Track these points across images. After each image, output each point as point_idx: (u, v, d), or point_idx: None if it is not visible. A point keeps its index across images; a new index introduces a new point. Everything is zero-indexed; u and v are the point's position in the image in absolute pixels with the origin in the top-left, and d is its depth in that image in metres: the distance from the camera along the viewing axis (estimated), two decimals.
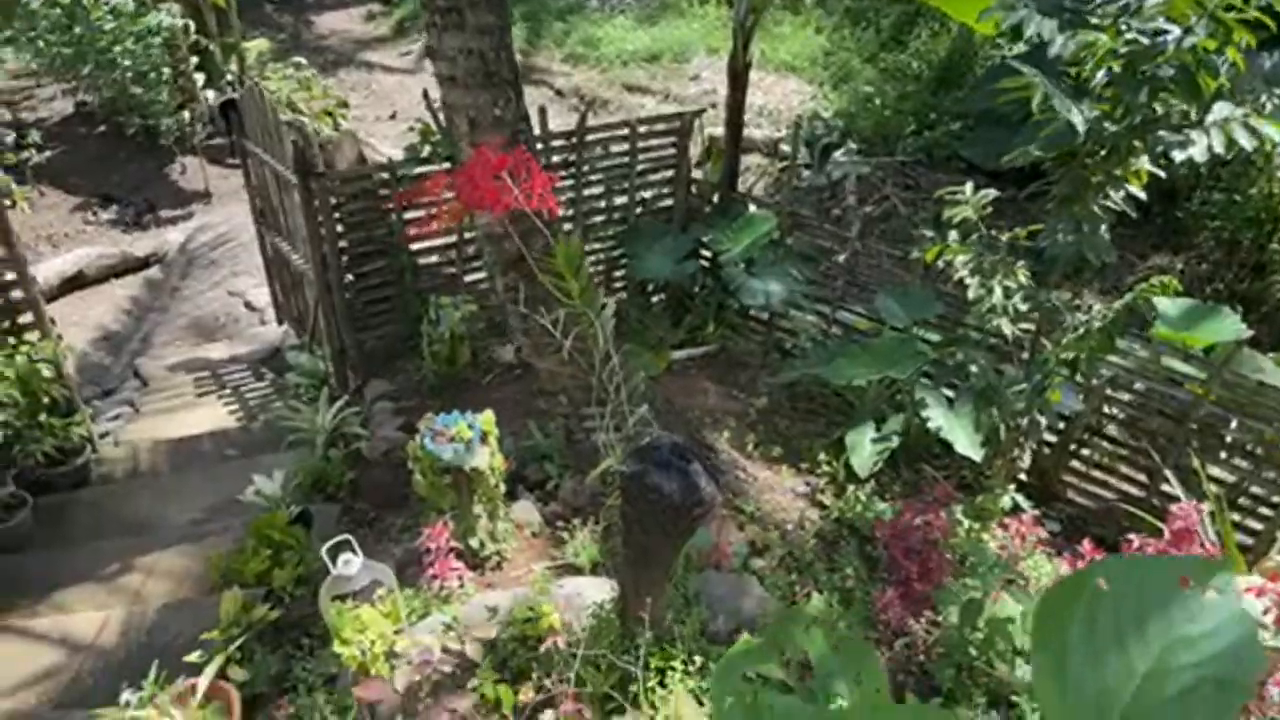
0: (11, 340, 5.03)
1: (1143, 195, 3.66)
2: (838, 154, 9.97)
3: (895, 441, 5.10)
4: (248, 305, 8.29)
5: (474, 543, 4.25)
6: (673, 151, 6.85)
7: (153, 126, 10.42)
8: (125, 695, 3.07)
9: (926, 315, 5.49)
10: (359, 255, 6.20)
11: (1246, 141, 3.12)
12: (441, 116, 6.30)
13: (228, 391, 6.65)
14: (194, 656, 3.50)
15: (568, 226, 6.48)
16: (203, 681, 3.08)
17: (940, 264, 4.73)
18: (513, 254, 4.60)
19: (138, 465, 5.58)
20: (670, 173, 6.92)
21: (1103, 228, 3.63)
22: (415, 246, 6.40)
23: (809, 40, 12.21)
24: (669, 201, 6.99)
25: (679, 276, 6.51)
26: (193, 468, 5.54)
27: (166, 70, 9.87)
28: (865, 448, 5.08)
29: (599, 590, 3.70)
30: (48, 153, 10.57)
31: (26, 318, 5.15)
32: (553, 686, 2.65)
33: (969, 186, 4.36)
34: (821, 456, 5.28)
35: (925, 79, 10.41)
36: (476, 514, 4.29)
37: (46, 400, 5.09)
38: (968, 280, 4.37)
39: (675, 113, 6.85)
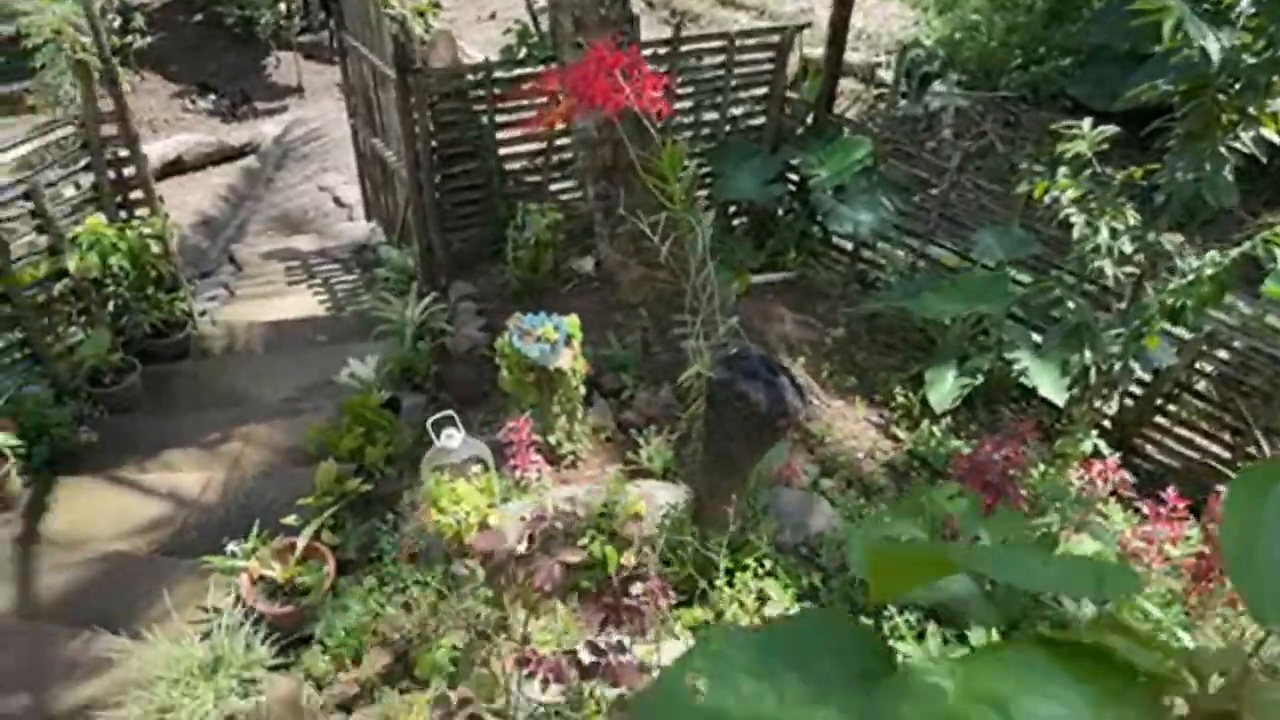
0: (123, 215, 5.26)
1: (1277, 138, 3.45)
2: (937, 84, 9.57)
3: (978, 380, 5.04)
4: (336, 201, 8.47)
5: (552, 440, 4.39)
6: (768, 68, 6.67)
7: (250, 18, 10.54)
8: (231, 547, 3.30)
9: (1022, 254, 5.33)
10: (450, 156, 6.25)
11: None
12: (543, 19, 6.26)
13: (317, 282, 6.88)
14: (291, 519, 3.74)
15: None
16: (301, 540, 3.30)
17: (1045, 202, 4.57)
18: (606, 161, 4.62)
19: (233, 344, 5.86)
20: (764, 90, 6.75)
21: (1227, 169, 3.46)
22: (504, 152, 6.43)
23: None
24: (760, 120, 6.84)
25: (765, 199, 6.42)
26: (284, 350, 5.79)
27: None
28: (945, 384, 5.03)
29: (670, 494, 3.81)
30: (149, 38, 10.79)
31: (137, 195, 5.36)
32: (640, 563, 2.78)
33: (1087, 122, 4.17)
34: (897, 391, 5.25)
35: (1037, 11, 9.83)
36: (555, 413, 4.41)
37: (154, 275, 5.34)
38: (1074, 218, 4.22)
39: (775, 27, 6.65)
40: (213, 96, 10.20)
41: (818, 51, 9.34)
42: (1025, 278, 5.37)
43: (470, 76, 6.01)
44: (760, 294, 6.36)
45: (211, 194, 8.53)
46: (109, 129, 5.05)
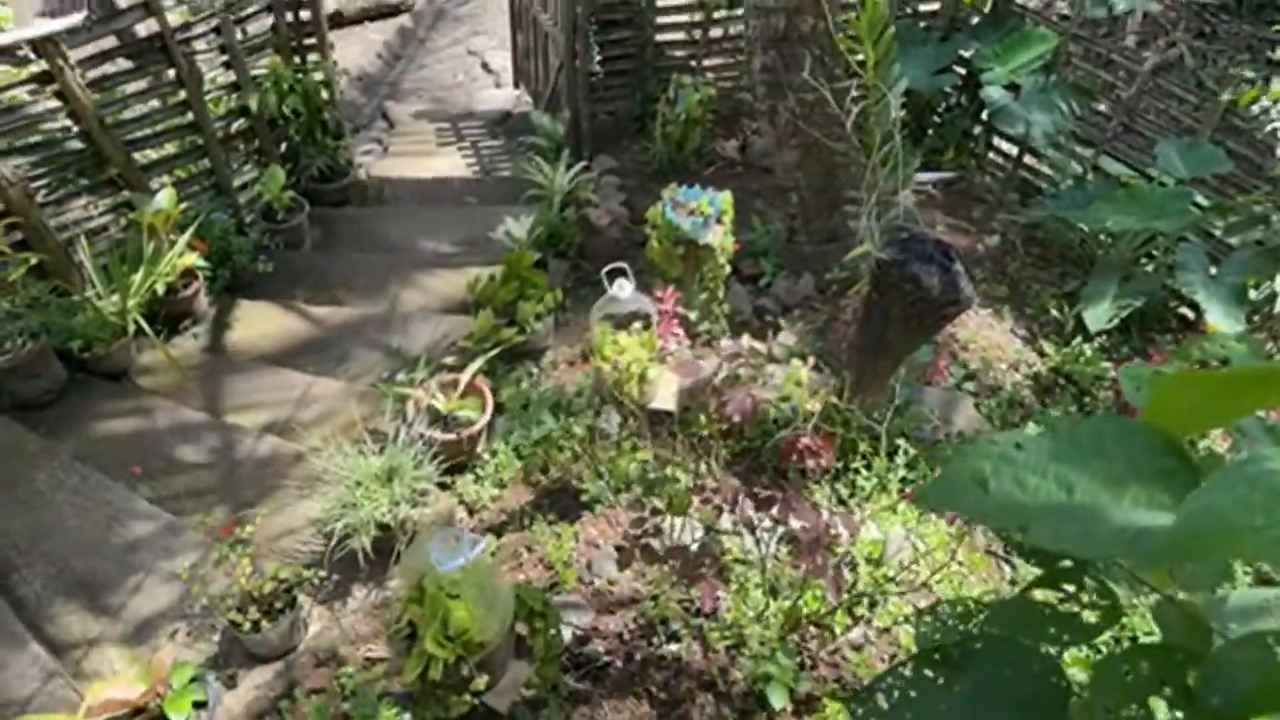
0: (297, 59, 5.44)
1: None
2: None
3: (1138, 301, 4.78)
4: (484, 66, 8.51)
5: (692, 315, 4.45)
6: None
7: None
8: (399, 375, 3.53)
9: (1210, 171, 4.92)
10: (607, 22, 6.16)
11: None
12: None
13: (466, 144, 7.01)
14: (449, 360, 3.96)
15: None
16: (465, 376, 3.50)
17: (1253, 111, 4.18)
18: (778, 29, 4.44)
19: (390, 196, 6.09)
20: None
21: None
22: (661, 21, 6.29)
23: None
24: (934, 5, 6.42)
25: (930, 90, 6.08)
26: (437, 206, 5.98)
27: None
28: (1103, 302, 4.79)
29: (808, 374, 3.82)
30: None
31: (309, 40, 5.52)
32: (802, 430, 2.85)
33: None
34: (1050, 305, 5.04)
35: None
36: (697, 289, 4.45)
37: (322, 120, 5.56)
38: None
39: None
40: None
41: None
42: (1203, 200, 4.99)
43: None
44: (914, 191, 6.13)
45: (368, 49, 8.70)
46: None
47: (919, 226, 3.09)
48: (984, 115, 5.95)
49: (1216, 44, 8.28)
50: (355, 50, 8.56)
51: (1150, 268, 5.06)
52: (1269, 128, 3.94)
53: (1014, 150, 6.09)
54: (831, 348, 4.04)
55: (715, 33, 6.49)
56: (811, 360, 3.33)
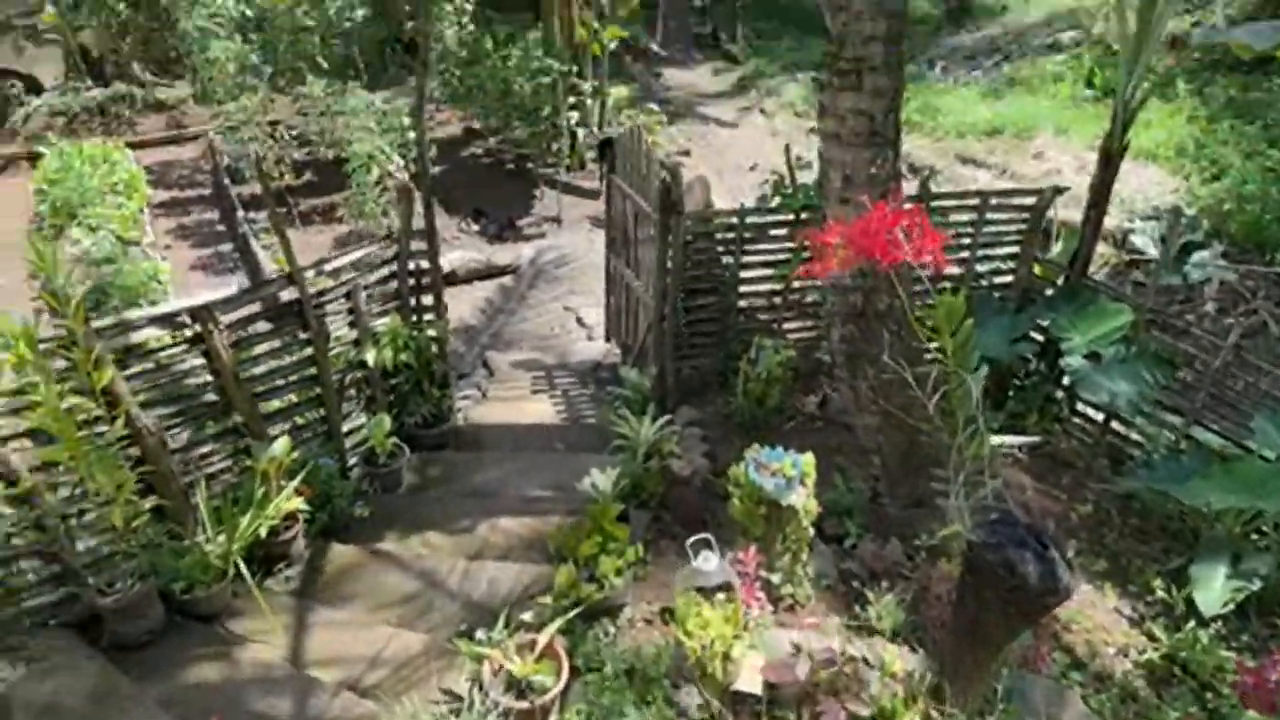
0: (414, 317, 6.00)
1: None
2: (1200, 254, 8.99)
3: (1254, 584, 4.48)
4: (579, 320, 9.17)
5: (774, 579, 4.37)
6: (1019, 227, 6.62)
7: (525, 154, 11.94)
8: (479, 634, 3.53)
9: None
10: (694, 290, 6.66)
11: None
12: (801, 174, 6.64)
13: (558, 393, 7.40)
14: (528, 616, 3.95)
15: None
16: (542, 638, 3.47)
17: None
18: (857, 306, 4.72)
19: (484, 441, 6.40)
20: (1013, 249, 6.68)
21: None
22: (743, 289, 6.76)
23: (1177, 128, 11.16)
24: (1008, 278, 6.74)
25: (1009, 357, 6.22)
26: (527, 452, 6.23)
27: (548, 107, 11.30)
28: (1215, 584, 4.51)
29: (902, 659, 3.63)
30: (437, 168, 12.47)
31: (427, 300, 6.12)
32: None
33: None
34: (1156, 584, 4.77)
35: None
36: (779, 551, 4.40)
37: (430, 371, 6.01)
38: None
39: (1031, 189, 6.62)
40: (484, 220, 11.54)
41: (1065, 213, 9.14)
42: None
43: (724, 220, 6.45)
44: (999, 456, 6.09)
45: (473, 305, 9.53)
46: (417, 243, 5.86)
47: (1009, 506, 3.06)
48: (1065, 381, 6.02)
49: None
50: (463, 305, 9.38)
51: (1263, 544, 4.79)
52: None
53: (1099, 415, 6.07)
54: (924, 623, 3.87)
55: (795, 298, 6.91)
56: (904, 643, 3.20)
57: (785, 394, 6.44)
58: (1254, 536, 4.89)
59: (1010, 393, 6.50)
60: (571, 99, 11.75)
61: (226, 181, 11.46)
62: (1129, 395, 5.54)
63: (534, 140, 11.59)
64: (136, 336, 3.93)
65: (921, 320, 3.22)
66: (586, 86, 12.03)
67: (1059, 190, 6.59)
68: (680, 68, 17.44)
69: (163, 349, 4.15)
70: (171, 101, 14.26)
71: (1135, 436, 5.91)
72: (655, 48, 12.32)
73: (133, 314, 3.94)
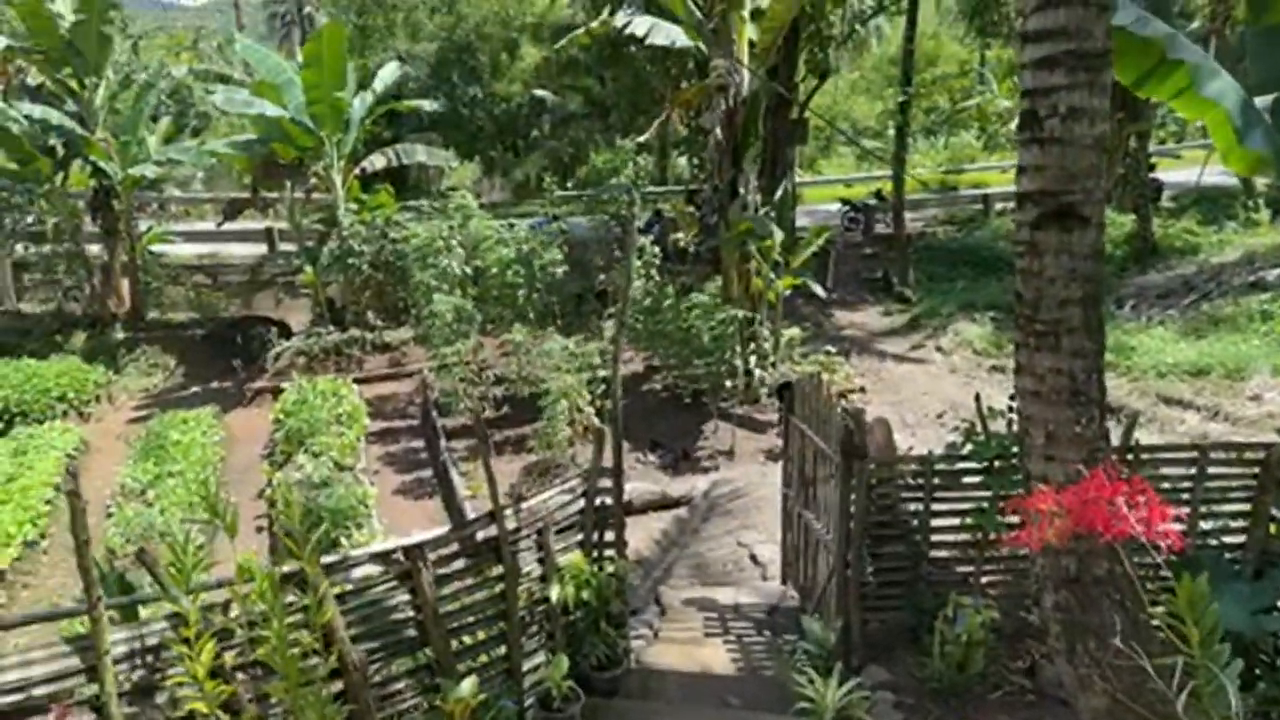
0: (595, 553, 6.13)
1: None
2: None
3: None
4: (753, 558, 8.99)
5: None
6: (1243, 481, 6.02)
7: (700, 390, 12.44)
8: None
9: None
10: (878, 536, 6.42)
11: None
12: (993, 423, 6.50)
13: (732, 638, 7.14)
14: None
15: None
16: None
17: None
18: (1070, 572, 4.36)
19: (657, 689, 6.19)
20: (1242, 506, 6.04)
21: None
22: (934, 539, 6.44)
23: None
24: (1238, 539, 6.05)
25: (1254, 631, 5.43)
26: (700, 704, 5.95)
27: (726, 351, 11.90)
28: None
29: None
30: (621, 402, 13.17)
31: (609, 536, 6.26)
32: None
33: None
34: None
35: None
36: None
37: (608, 610, 6.01)
38: None
39: (1259, 442, 6.08)
40: (660, 451, 11.90)
41: None
42: None
43: (910, 466, 6.32)
44: None
45: (648, 536, 9.62)
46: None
47: None
48: None
49: None
50: (637, 536, 9.46)
51: None
52: None
53: None
54: None
55: (993, 552, 6.48)
56: None
57: (988, 659, 5.88)
58: None
59: (1259, 672, 5.60)
60: (749, 343, 12.32)
61: (434, 413, 12.63)
62: None
63: (710, 377, 12.10)
64: (356, 572, 4.25)
65: (1151, 596, 2.92)
66: (763, 330, 12.60)
67: None
68: (851, 310, 17.96)
69: (374, 585, 4.45)
70: (395, 343, 16.22)
71: None
72: (822, 292, 12.84)
73: (356, 551, 4.29)
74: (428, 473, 11.73)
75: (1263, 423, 10.36)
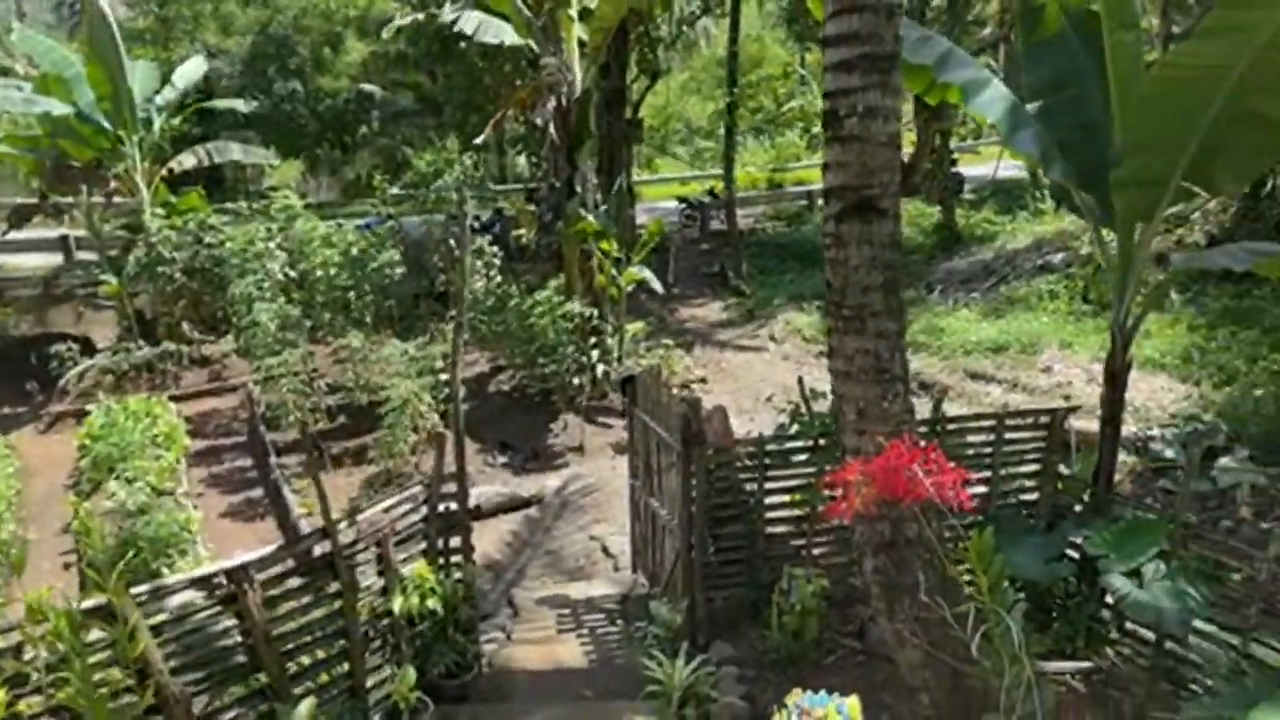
0: (441, 560, 6.02)
1: None
2: (1225, 460, 8.98)
3: None
4: (604, 550, 9.11)
5: None
6: (1037, 445, 6.71)
7: (547, 389, 12.45)
8: None
9: None
10: (719, 518, 6.68)
11: None
12: (816, 404, 6.88)
13: (585, 631, 7.21)
14: None
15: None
16: None
17: None
18: (885, 536, 4.72)
19: (509, 690, 6.16)
20: (1034, 467, 6.74)
21: None
22: (769, 515, 6.77)
23: (1179, 337, 11.54)
24: (1033, 495, 6.74)
25: (1047, 578, 6.07)
26: (554, 701, 5.97)
27: (571, 347, 11.95)
28: None
29: None
30: (464, 405, 12.95)
31: (454, 542, 6.16)
32: None
33: None
34: None
35: None
36: None
37: (456, 617, 5.92)
38: None
39: (1043, 409, 6.80)
40: (509, 453, 11.82)
41: (1082, 424, 9.25)
42: None
43: (745, 449, 6.61)
44: (1050, 684, 5.77)
45: (498, 539, 9.53)
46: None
47: None
48: (1109, 600, 5.82)
49: None
50: (487, 540, 9.38)
51: None
52: None
53: (1152, 634, 5.81)
54: None
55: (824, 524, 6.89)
56: None
57: (822, 626, 6.26)
58: None
59: (1054, 614, 6.27)
60: (592, 338, 12.43)
61: (262, 429, 11.91)
62: (1175, 614, 5.33)
63: (557, 375, 12.13)
64: (173, 600, 3.97)
65: (951, 554, 3.24)
66: (607, 326, 12.76)
67: (1072, 409, 6.76)
68: (692, 304, 18.51)
69: (196, 613, 4.18)
70: (215, 356, 15.15)
71: (1193, 657, 5.62)
72: (660, 287, 13.16)
73: (170, 579, 4.01)
74: (258, 492, 11.07)
75: (1053, 392, 11.55)
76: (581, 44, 12.87)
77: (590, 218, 12.27)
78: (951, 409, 9.62)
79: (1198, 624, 5.46)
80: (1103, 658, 5.94)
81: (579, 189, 12.74)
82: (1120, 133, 5.54)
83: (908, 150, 24.79)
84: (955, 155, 20.92)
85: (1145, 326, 11.99)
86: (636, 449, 7.82)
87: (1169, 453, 9.27)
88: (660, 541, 7.39)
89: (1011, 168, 22.35)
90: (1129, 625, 6.04)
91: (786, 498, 6.74)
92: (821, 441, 6.38)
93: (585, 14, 12.82)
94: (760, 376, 14.23)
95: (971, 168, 23.49)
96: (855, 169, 4.34)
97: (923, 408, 6.89)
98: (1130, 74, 5.55)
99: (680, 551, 6.66)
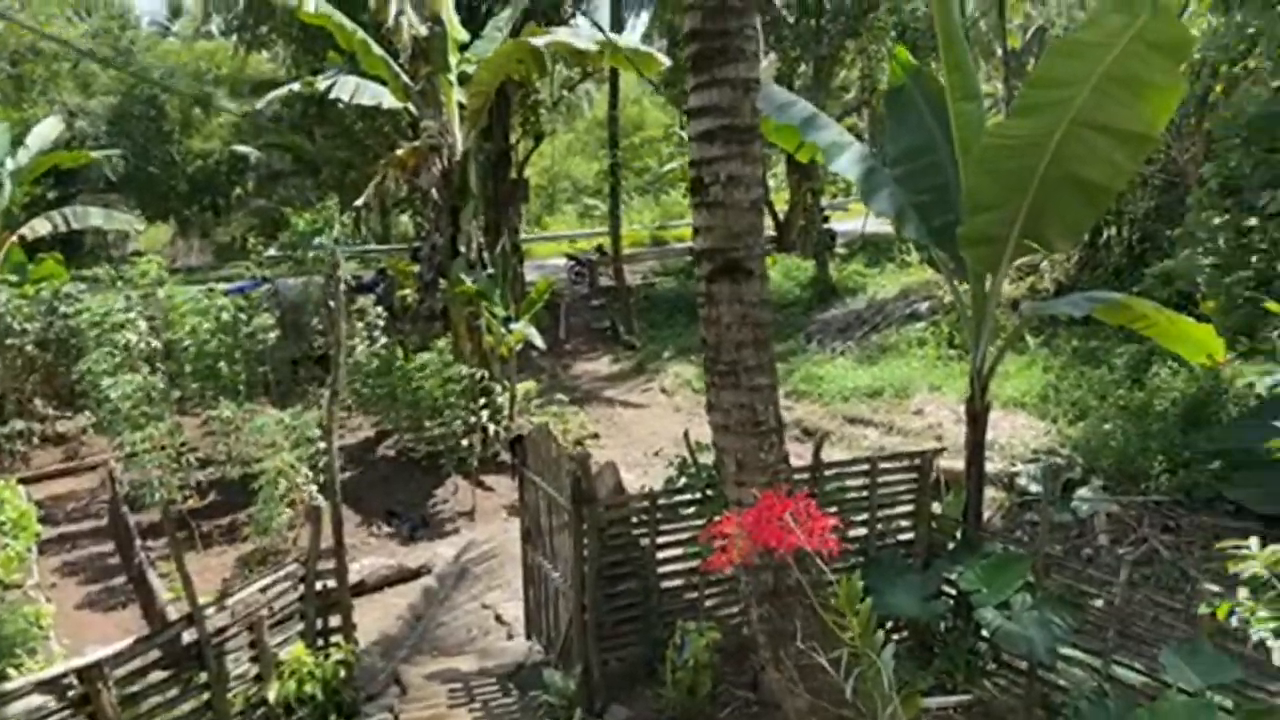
0: (320, 642, 5.75)
1: None
2: (1083, 490, 9.62)
3: None
4: (498, 618, 8.86)
5: None
6: (911, 485, 7.03)
7: (436, 452, 12.16)
8: None
9: (1223, 680, 4.90)
10: (613, 576, 6.65)
11: None
12: (702, 455, 7.01)
13: (477, 705, 6.96)
14: None
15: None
16: None
17: (1234, 621, 4.34)
18: (768, 585, 4.83)
19: None
20: (909, 507, 7.05)
21: None
22: (663, 570, 6.79)
23: (1036, 378, 12.39)
24: (909, 535, 7.03)
25: (926, 615, 6.33)
26: None
27: (460, 409, 11.76)
28: None
29: None
30: (347, 473, 12.50)
31: (335, 622, 5.90)
32: None
33: (1254, 541, 4.14)
34: None
35: (1170, 417, 10.08)
36: None
37: (337, 700, 5.64)
38: (1270, 643, 3.98)
39: (913, 451, 7.15)
40: (395, 522, 11.42)
41: (950, 464, 9.77)
42: (1228, 702, 4.87)
43: (636, 505, 6.65)
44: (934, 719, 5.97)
45: (388, 614, 9.13)
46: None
47: None
48: (985, 634, 6.11)
49: (1184, 535, 8.83)
50: (376, 615, 8.99)
51: None
52: (1254, 639, 4.06)
53: (1025, 664, 6.11)
54: None
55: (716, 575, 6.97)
56: None
57: (716, 679, 6.27)
58: None
59: (935, 650, 6.52)
60: (482, 398, 12.28)
61: (124, 510, 11.11)
62: (1043, 642, 5.64)
63: (446, 438, 11.89)
64: (17, 706, 3.64)
65: (826, 602, 3.35)
66: (496, 386, 12.65)
67: (938, 451, 7.14)
68: (583, 359, 18.61)
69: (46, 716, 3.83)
70: (71, 433, 14.11)
71: (1062, 682, 5.94)
72: (542, 344, 13.15)
73: (14, 682, 3.67)
74: (121, 579, 10.27)
75: (925, 433, 12.15)
76: (462, 107, 12.98)
77: (470, 281, 12.25)
78: (833, 453, 9.99)
79: (1064, 650, 5.80)
80: (982, 689, 6.20)
81: (463, 249, 12.71)
82: (964, 195, 6.01)
83: (783, 209, 26.03)
84: (827, 212, 22.03)
85: (1005, 368, 12.88)
86: (528, 510, 7.74)
87: (1033, 487, 9.86)
88: (555, 605, 7.28)
89: (879, 222, 23.66)
90: (1005, 656, 6.35)
91: (679, 551, 6.79)
92: (710, 493, 6.49)
93: (465, 79, 12.96)
94: (652, 430, 14.36)
95: (843, 223, 24.75)
96: (721, 233, 4.54)
97: (807, 453, 7.15)
98: (972, 141, 6.05)
99: (574, 614, 6.58)
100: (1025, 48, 22.92)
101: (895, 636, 6.76)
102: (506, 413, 12.84)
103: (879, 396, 13.55)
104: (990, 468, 10.47)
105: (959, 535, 6.77)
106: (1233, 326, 8.58)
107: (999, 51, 20.07)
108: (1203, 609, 4.70)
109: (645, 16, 22.67)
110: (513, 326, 12.53)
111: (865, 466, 7.00)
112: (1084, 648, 5.79)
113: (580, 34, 12.75)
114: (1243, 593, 4.25)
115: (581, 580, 6.44)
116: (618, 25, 19.15)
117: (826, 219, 21.24)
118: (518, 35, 12.66)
